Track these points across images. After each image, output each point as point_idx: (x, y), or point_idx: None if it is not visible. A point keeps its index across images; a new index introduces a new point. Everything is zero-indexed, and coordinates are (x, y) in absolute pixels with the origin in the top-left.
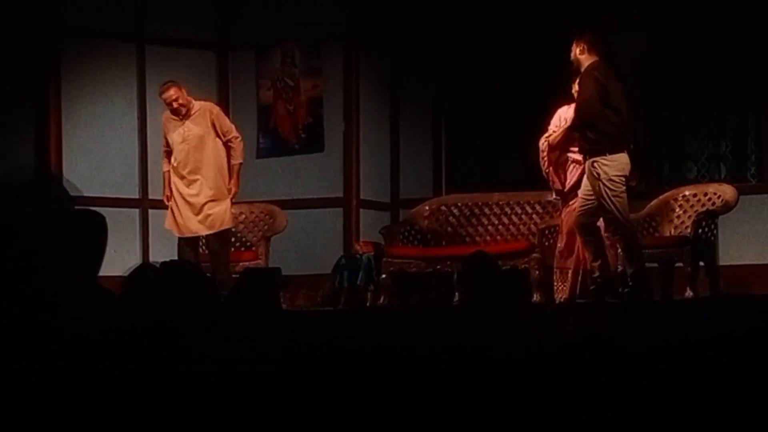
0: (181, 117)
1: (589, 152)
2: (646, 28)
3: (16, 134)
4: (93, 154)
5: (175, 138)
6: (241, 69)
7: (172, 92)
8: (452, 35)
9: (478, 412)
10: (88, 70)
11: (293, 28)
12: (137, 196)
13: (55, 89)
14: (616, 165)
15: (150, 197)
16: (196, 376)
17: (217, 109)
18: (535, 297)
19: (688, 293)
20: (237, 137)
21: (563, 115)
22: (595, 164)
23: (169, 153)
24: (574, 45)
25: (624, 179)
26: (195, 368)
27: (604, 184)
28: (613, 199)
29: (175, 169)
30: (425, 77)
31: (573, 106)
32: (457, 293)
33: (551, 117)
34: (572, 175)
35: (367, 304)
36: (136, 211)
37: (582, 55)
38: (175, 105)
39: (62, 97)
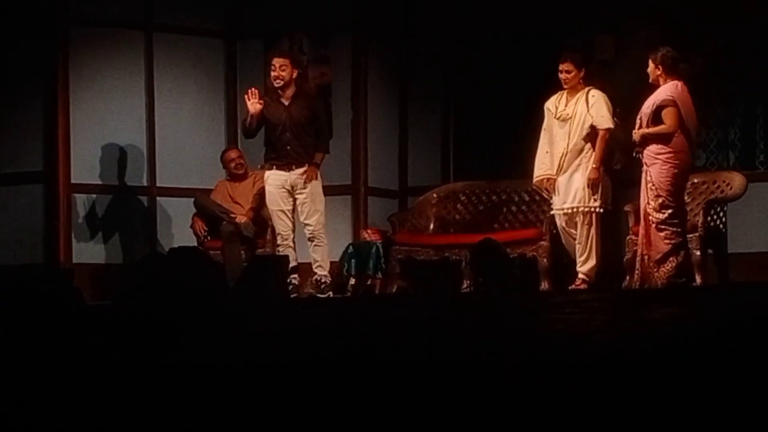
0: None
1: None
2: (658, 21)
3: (24, 123)
4: (101, 142)
5: None
6: (249, 57)
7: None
8: (460, 24)
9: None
10: (96, 58)
11: (301, 16)
12: (145, 184)
13: (63, 77)
14: None
15: (158, 185)
16: (196, 367)
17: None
18: (544, 285)
19: (697, 281)
20: None
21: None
22: None
23: None
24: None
25: None
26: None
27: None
28: None
29: None
30: (433, 65)
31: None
32: (465, 281)
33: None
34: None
35: (376, 291)
36: (144, 198)
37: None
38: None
39: (70, 85)
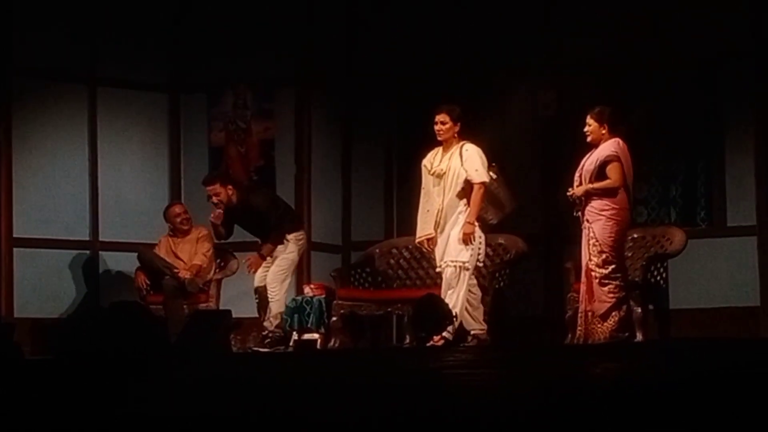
0: None
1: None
2: (600, 69)
3: None
4: (44, 195)
5: None
6: (192, 111)
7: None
8: (403, 78)
9: None
10: (38, 111)
11: (245, 71)
12: (88, 238)
13: (5, 130)
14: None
15: (101, 239)
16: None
17: None
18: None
19: (639, 337)
20: None
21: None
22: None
23: None
24: None
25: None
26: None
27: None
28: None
29: None
30: (377, 120)
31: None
32: (407, 336)
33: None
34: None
35: (318, 346)
36: (87, 253)
37: None
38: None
39: (12, 138)
